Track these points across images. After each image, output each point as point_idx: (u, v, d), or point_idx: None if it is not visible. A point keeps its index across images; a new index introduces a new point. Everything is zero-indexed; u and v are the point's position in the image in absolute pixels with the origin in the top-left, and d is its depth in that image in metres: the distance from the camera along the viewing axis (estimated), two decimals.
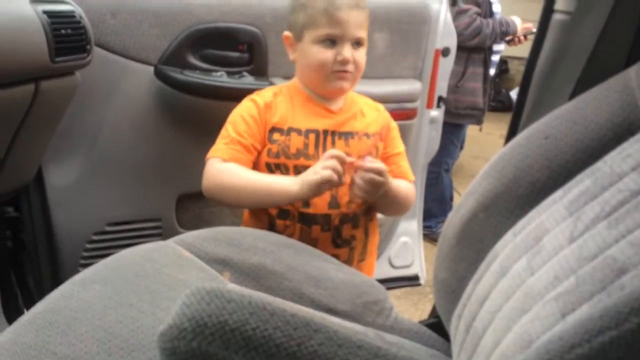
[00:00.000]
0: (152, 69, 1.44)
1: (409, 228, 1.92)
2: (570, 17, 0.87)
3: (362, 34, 1.14)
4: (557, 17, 0.92)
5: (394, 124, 1.27)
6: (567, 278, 0.62)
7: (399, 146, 1.26)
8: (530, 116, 0.90)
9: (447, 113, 2.56)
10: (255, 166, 1.17)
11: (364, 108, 1.24)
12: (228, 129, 1.17)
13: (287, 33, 1.20)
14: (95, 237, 1.49)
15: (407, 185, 1.22)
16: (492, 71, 2.76)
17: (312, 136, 1.15)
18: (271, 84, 1.48)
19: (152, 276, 0.85)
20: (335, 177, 1.04)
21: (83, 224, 1.46)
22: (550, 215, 0.74)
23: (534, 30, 2.64)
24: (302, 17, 1.14)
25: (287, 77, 1.55)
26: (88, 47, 1.18)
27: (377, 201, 1.17)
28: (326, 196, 1.13)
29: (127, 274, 0.86)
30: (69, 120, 1.34)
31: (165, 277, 0.86)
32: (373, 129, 1.21)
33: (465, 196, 0.87)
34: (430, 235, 2.78)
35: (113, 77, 1.41)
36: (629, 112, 0.69)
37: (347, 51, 1.12)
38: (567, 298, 0.58)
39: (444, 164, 2.82)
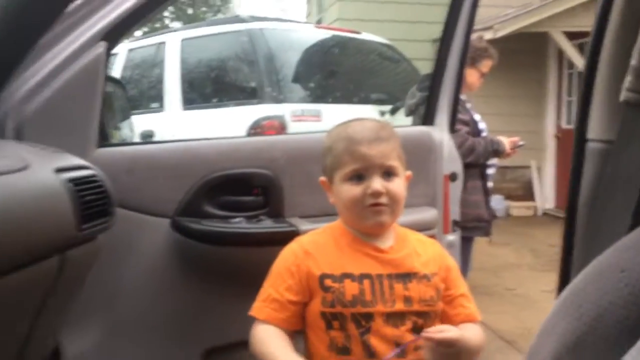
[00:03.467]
0: (167, 221, 1.41)
1: None
2: (609, 146, 0.89)
3: (391, 163, 1.13)
4: (592, 145, 0.94)
5: (452, 262, 1.22)
6: None
7: (462, 286, 1.20)
8: (589, 249, 0.88)
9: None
10: (310, 316, 1.11)
11: (417, 246, 1.19)
12: (266, 284, 1.14)
13: (322, 178, 1.20)
14: None
15: (475, 332, 1.13)
16: (490, 184, 2.83)
17: (366, 282, 1.10)
18: (290, 225, 1.46)
19: None
20: None
21: None
22: None
23: (521, 142, 2.78)
24: (329, 160, 1.16)
25: (304, 216, 1.54)
26: (111, 209, 1.15)
27: None
28: (391, 344, 1.06)
29: None
30: (86, 284, 1.27)
31: None
32: (431, 269, 1.16)
33: (540, 337, 0.82)
34: None
35: (129, 233, 1.38)
36: None
37: (375, 183, 1.10)
38: None
39: None
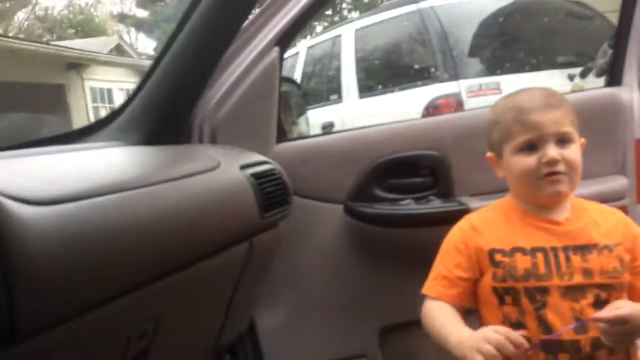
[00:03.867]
0: (341, 207, 1.51)
1: None
2: None
3: (565, 129, 1.06)
4: None
5: (638, 230, 1.12)
6: None
7: None
8: None
9: None
10: (482, 293, 1.11)
11: (596, 216, 1.12)
12: (436, 263, 1.16)
13: (489, 154, 1.18)
14: None
15: None
16: None
17: (539, 255, 1.06)
18: (460, 204, 1.45)
19: None
20: None
21: None
22: None
23: None
24: (497, 133, 1.13)
25: (474, 194, 1.51)
26: (288, 199, 1.27)
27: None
28: (570, 319, 1.02)
29: None
30: (272, 267, 1.43)
31: None
32: (614, 239, 1.08)
33: None
34: None
35: (306, 220, 1.50)
36: None
37: (551, 150, 1.04)
38: None
39: None
